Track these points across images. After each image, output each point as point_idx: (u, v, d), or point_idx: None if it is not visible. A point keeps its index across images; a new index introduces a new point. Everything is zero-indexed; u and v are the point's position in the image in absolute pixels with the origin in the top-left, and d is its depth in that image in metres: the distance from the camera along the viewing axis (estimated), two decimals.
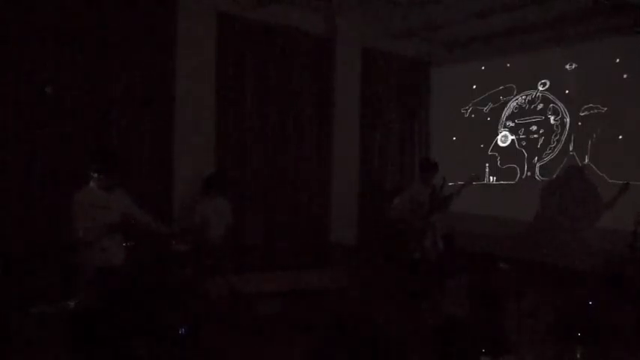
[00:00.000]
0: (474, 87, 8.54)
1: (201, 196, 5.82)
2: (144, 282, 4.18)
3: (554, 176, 7.23)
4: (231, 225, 5.92)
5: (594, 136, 6.99)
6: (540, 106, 7.68)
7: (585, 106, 7.09)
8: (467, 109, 8.68)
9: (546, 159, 7.57)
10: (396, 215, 5.38)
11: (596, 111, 6.99)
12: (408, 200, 5.27)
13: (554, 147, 7.48)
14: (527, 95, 7.86)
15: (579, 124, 7.20)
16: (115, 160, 4.09)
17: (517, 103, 8.00)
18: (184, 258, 5.16)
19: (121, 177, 4.18)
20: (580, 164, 6.97)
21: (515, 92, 8.02)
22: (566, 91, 7.35)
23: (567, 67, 7.31)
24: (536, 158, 7.70)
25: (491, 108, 8.35)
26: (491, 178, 8.26)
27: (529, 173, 7.79)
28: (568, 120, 7.33)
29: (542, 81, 7.64)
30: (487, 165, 8.29)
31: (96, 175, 3.94)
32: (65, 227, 3.96)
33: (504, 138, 8.14)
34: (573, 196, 4.57)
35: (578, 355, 3.88)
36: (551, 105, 7.53)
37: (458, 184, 5.27)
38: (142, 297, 3.92)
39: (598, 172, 6.81)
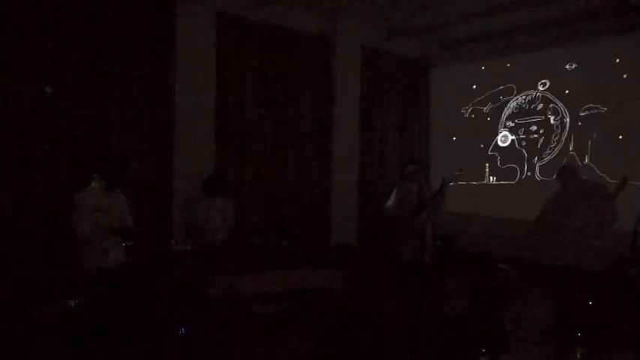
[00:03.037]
0: (474, 87, 8.54)
1: (203, 197, 5.81)
2: (144, 282, 4.18)
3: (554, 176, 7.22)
4: (235, 226, 5.91)
5: (594, 136, 6.99)
6: (540, 106, 7.68)
7: (585, 106, 7.10)
8: (467, 109, 8.68)
9: (546, 159, 7.57)
10: (387, 215, 5.33)
11: (596, 111, 7.00)
12: (399, 200, 5.21)
13: (554, 147, 7.48)
14: (527, 95, 7.86)
15: (579, 124, 7.20)
16: (117, 163, 4.10)
17: (517, 103, 8.00)
18: (184, 258, 5.16)
19: (123, 179, 4.17)
20: (580, 164, 6.97)
21: (515, 92, 8.02)
22: (566, 91, 7.35)
23: (567, 67, 7.32)
24: (536, 158, 7.71)
25: (491, 108, 8.35)
26: (491, 178, 8.26)
27: (529, 173, 7.79)
28: (568, 120, 7.33)
29: (542, 81, 7.64)
30: (487, 165, 8.29)
31: (98, 176, 3.94)
32: (65, 227, 3.96)
33: (504, 138, 8.14)
34: (576, 201, 4.48)
35: (578, 355, 3.88)
36: (551, 105, 7.53)
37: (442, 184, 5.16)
38: (142, 297, 3.91)
39: (598, 172, 6.81)
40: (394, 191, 5.38)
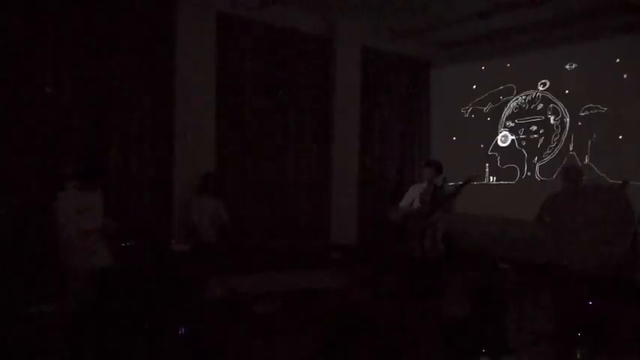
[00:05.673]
0: (474, 87, 8.54)
1: (196, 197, 5.84)
2: (143, 282, 4.18)
3: (554, 176, 7.22)
4: (227, 224, 5.91)
5: (594, 136, 6.99)
6: (540, 106, 7.68)
7: (585, 106, 7.09)
8: (467, 109, 8.67)
9: (546, 159, 7.57)
10: (398, 216, 5.39)
11: (596, 111, 6.99)
12: (416, 200, 5.29)
13: (554, 147, 7.48)
14: (527, 95, 7.86)
15: (579, 124, 7.19)
16: (95, 164, 4.09)
17: (517, 103, 8.00)
18: (184, 258, 5.16)
19: (102, 179, 4.17)
20: (580, 164, 6.96)
21: (515, 92, 8.02)
22: (566, 91, 7.35)
23: (567, 67, 7.32)
24: (536, 158, 7.70)
25: (491, 108, 8.35)
26: (491, 178, 8.25)
27: (529, 173, 7.79)
28: (568, 120, 7.33)
29: (542, 81, 7.64)
30: (487, 165, 8.29)
31: (76, 178, 3.93)
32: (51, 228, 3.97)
33: (504, 138, 8.14)
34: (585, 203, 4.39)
35: (579, 356, 3.87)
36: (551, 105, 7.53)
37: (457, 183, 5.28)
38: (141, 297, 3.91)
39: (598, 172, 6.81)
40: (408, 192, 5.47)
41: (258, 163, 6.95)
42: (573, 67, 7.26)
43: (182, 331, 3.80)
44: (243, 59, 6.77)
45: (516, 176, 7.95)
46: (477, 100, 8.52)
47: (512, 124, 8.05)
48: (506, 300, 4.36)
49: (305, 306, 4.78)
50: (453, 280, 5.70)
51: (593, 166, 6.93)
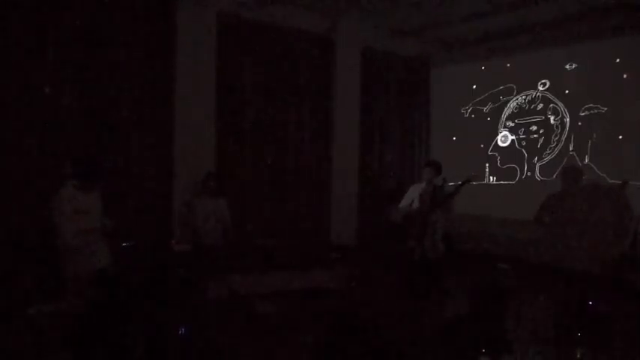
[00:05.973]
0: (474, 87, 8.55)
1: (199, 196, 5.83)
2: (143, 282, 4.18)
3: (554, 176, 7.22)
4: (229, 225, 5.93)
5: (594, 136, 6.99)
6: (540, 106, 7.68)
7: (585, 106, 7.10)
8: (467, 109, 8.68)
9: (546, 159, 7.57)
10: (398, 216, 5.41)
11: (596, 111, 7.00)
12: (416, 200, 5.31)
13: (554, 147, 7.48)
14: (527, 95, 7.86)
15: (579, 124, 7.20)
16: (93, 164, 4.09)
17: (517, 103, 8.00)
18: (184, 258, 5.16)
19: (100, 179, 4.17)
20: (580, 164, 6.96)
21: (515, 92, 8.02)
22: (566, 91, 7.35)
23: (567, 67, 7.32)
24: (536, 158, 7.71)
25: (491, 108, 8.35)
26: (491, 178, 8.26)
27: (529, 173, 7.79)
28: (568, 120, 7.33)
29: (542, 81, 7.64)
30: (487, 165, 8.29)
31: (77, 178, 3.93)
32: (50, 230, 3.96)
33: (504, 138, 8.14)
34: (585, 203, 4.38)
35: (578, 355, 3.88)
36: (551, 105, 7.54)
37: (457, 183, 5.29)
38: (142, 297, 3.91)
39: (598, 172, 6.81)
40: (408, 192, 5.48)
41: (258, 162, 6.94)
42: (573, 67, 7.26)
43: (182, 331, 3.80)
44: (243, 59, 6.77)
45: (516, 176, 7.95)
46: (477, 100, 8.52)
47: (512, 124, 8.05)
48: (506, 300, 4.35)
49: (305, 306, 4.78)
50: (452, 280, 5.71)
51: (593, 166, 6.93)
